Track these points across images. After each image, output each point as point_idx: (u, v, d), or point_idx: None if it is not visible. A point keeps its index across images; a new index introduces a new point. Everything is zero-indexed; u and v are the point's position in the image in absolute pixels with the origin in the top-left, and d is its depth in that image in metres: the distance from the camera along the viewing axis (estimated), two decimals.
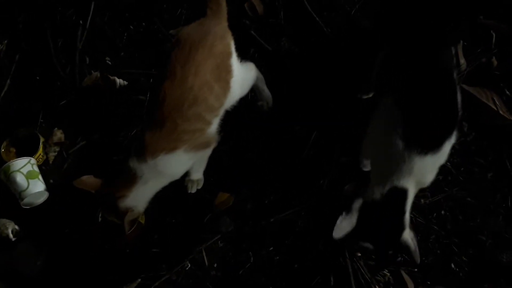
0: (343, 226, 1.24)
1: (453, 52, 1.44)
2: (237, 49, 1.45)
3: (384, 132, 1.35)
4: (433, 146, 1.27)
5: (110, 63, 1.89)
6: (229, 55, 1.42)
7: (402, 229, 1.26)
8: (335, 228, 1.24)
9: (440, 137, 1.29)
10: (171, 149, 1.35)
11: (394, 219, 1.27)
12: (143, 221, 1.59)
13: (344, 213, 1.26)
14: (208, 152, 1.50)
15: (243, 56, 1.49)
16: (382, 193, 1.28)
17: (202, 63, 1.34)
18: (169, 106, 1.32)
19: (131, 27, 1.93)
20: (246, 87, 1.57)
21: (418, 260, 1.27)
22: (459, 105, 1.33)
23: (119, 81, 1.81)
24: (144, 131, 1.37)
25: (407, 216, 1.27)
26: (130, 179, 1.39)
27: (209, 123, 1.41)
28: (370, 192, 1.32)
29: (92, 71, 1.85)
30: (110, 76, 1.81)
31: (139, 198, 1.41)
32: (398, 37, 1.42)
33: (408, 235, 1.26)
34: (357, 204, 1.28)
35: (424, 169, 1.28)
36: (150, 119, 1.37)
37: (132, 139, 1.73)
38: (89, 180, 1.42)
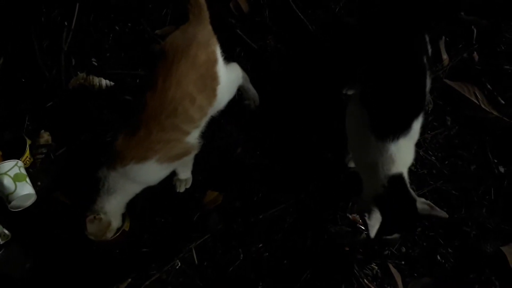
0: (373, 224, 1.28)
1: (427, 39, 1.46)
2: (223, 48, 1.46)
3: (357, 133, 1.39)
4: (402, 129, 1.32)
5: (96, 64, 1.89)
6: (214, 63, 1.40)
7: (414, 201, 1.30)
8: (369, 229, 1.27)
9: (407, 119, 1.34)
10: (142, 158, 1.34)
11: (403, 201, 1.31)
12: (127, 229, 1.57)
13: (366, 214, 1.29)
14: (187, 159, 1.49)
15: (229, 55, 1.49)
16: (383, 185, 1.32)
17: (185, 75, 1.33)
18: (146, 115, 1.32)
19: (117, 27, 1.93)
20: (233, 89, 1.57)
21: (446, 215, 1.31)
22: (428, 89, 1.39)
23: (105, 81, 1.80)
24: (117, 139, 1.36)
25: (411, 190, 1.32)
26: (97, 189, 1.39)
27: (186, 133, 1.40)
28: (370, 189, 1.36)
29: (78, 72, 1.84)
30: (96, 77, 1.80)
31: (107, 207, 1.42)
32: (379, 26, 1.45)
33: (420, 204, 1.30)
34: (372, 203, 1.32)
35: (403, 152, 1.33)
36: (126, 126, 1.36)
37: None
38: (60, 195, 1.42)
